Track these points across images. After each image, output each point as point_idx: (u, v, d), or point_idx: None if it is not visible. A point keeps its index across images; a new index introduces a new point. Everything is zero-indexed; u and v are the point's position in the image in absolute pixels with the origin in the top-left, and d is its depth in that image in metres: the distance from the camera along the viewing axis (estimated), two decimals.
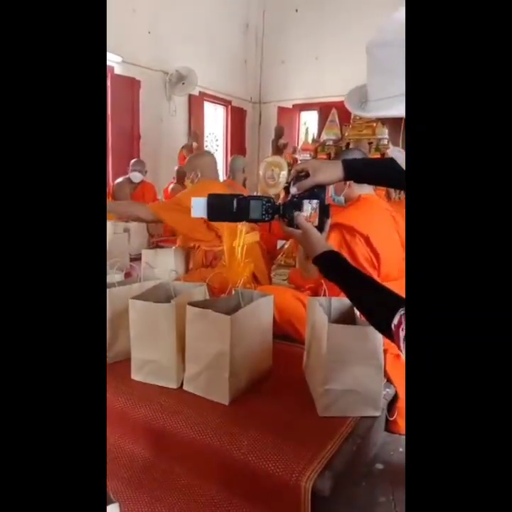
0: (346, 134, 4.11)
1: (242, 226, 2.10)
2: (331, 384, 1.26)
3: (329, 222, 1.05)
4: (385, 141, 3.69)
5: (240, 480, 1.14)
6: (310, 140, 4.55)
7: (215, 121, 7.42)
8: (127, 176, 4.48)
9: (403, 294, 0.60)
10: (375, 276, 1.65)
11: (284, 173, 3.89)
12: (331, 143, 4.21)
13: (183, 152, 5.44)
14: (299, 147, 4.70)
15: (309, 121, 7.08)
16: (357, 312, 1.35)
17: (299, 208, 1.02)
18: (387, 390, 1.45)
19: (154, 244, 3.71)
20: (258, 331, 1.45)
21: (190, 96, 6.45)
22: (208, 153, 3.01)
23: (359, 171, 1.11)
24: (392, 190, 3.04)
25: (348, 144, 3.97)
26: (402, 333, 0.72)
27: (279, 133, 5.89)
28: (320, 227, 1.02)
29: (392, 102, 0.72)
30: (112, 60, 5.13)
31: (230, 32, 7.11)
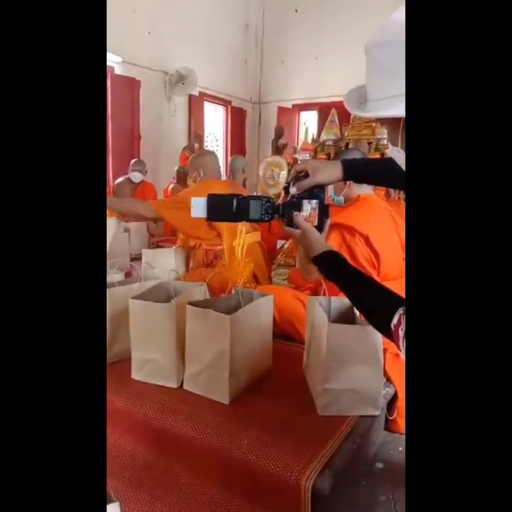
0: (346, 134, 4.12)
1: (242, 226, 2.10)
2: (331, 383, 1.26)
3: (329, 222, 1.05)
4: (385, 141, 3.70)
5: (240, 479, 1.14)
6: (310, 140, 4.55)
7: (215, 121, 7.42)
8: (127, 176, 4.47)
9: (403, 294, 0.60)
10: (374, 276, 1.65)
11: (284, 173, 3.89)
12: (330, 143, 4.21)
13: (185, 153, 5.44)
14: (299, 147, 4.69)
15: (309, 121, 7.08)
16: (356, 312, 1.36)
17: (299, 208, 1.03)
18: (387, 389, 1.45)
19: (154, 244, 3.71)
20: (258, 331, 1.45)
21: (190, 96, 6.45)
22: (210, 152, 3.00)
23: (358, 171, 1.11)
24: (391, 190, 3.04)
25: (347, 144, 3.97)
26: (401, 333, 0.72)
27: (279, 133, 5.89)
28: (319, 227, 1.02)
29: (391, 102, 0.72)
30: (112, 60, 5.13)
31: (230, 32, 7.11)
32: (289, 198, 1.05)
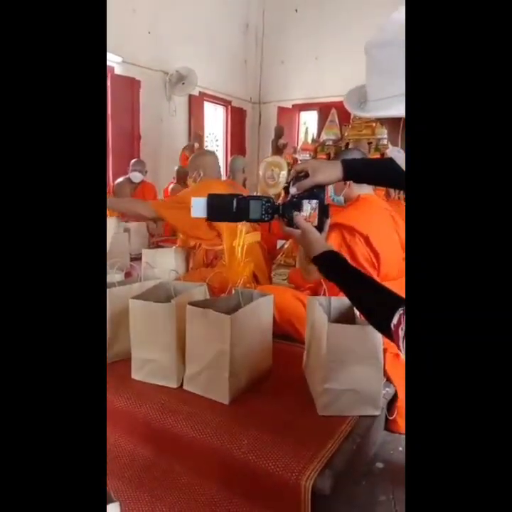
0: (346, 134, 4.12)
1: (242, 226, 2.10)
2: (331, 383, 1.26)
3: (329, 222, 1.05)
4: (385, 141, 3.69)
5: (240, 479, 1.14)
6: (310, 140, 4.55)
7: (215, 121, 7.42)
8: (127, 176, 4.48)
9: (403, 294, 0.60)
10: (374, 276, 1.65)
11: (284, 173, 3.89)
12: (330, 143, 4.21)
13: (185, 153, 5.44)
14: (299, 147, 4.69)
15: (309, 121, 7.08)
16: (356, 312, 1.36)
17: (299, 208, 1.03)
18: (387, 389, 1.45)
19: (154, 244, 3.71)
20: (258, 331, 1.45)
21: (190, 96, 6.45)
22: (210, 152, 3.00)
23: (358, 171, 1.11)
24: (391, 190, 3.04)
25: (347, 144, 3.97)
26: (401, 333, 0.72)
27: (279, 133, 5.89)
28: (319, 227, 1.02)
29: (391, 102, 0.72)
30: (112, 60, 5.13)
31: (230, 32, 7.11)
32: (289, 198, 1.05)
